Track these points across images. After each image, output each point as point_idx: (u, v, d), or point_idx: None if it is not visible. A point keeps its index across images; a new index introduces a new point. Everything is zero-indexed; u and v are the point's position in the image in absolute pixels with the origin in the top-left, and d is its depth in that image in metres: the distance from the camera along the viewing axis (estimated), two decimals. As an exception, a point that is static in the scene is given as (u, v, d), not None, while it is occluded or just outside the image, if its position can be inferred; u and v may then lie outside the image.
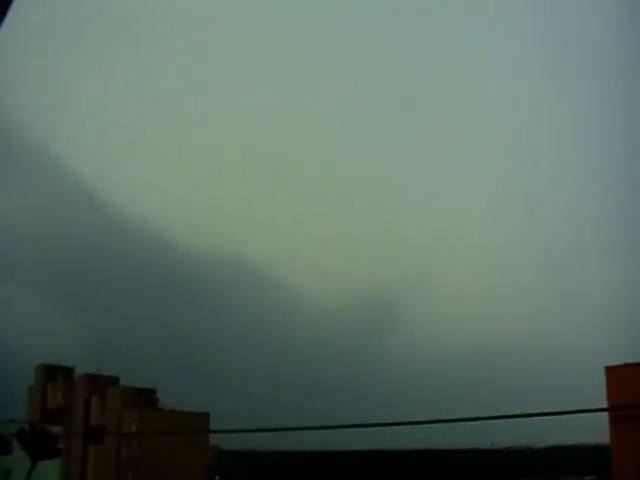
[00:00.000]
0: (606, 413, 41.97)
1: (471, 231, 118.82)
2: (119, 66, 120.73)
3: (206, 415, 73.63)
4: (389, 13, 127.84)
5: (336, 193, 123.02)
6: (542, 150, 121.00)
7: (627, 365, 47.25)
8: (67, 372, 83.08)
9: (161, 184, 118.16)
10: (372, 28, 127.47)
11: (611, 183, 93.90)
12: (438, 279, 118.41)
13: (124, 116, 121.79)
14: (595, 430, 50.83)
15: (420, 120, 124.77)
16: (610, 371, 47.27)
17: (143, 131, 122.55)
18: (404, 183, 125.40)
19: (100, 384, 79.25)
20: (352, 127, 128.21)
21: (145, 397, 77.63)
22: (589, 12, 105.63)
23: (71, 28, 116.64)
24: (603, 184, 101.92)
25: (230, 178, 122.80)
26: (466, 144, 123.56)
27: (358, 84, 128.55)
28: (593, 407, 40.77)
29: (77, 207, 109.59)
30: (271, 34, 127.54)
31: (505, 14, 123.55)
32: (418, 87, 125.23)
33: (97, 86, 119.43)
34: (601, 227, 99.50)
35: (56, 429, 74.28)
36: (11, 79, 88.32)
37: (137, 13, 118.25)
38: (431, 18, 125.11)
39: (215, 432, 74.36)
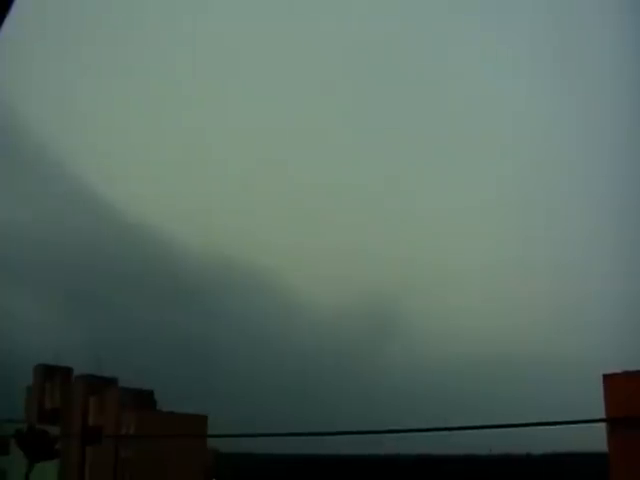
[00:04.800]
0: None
1: (474, 239, 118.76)
2: (122, 65, 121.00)
3: (204, 417, 73.65)
4: (386, 15, 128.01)
5: (337, 194, 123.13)
6: (548, 154, 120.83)
7: (626, 373, 46.92)
8: (65, 372, 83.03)
9: (161, 186, 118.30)
10: (370, 29, 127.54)
11: (616, 190, 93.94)
12: (440, 285, 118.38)
13: (125, 116, 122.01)
14: (594, 438, 50.65)
15: (422, 120, 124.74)
16: (608, 379, 46.94)
17: (144, 131, 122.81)
18: (407, 185, 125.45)
19: (98, 385, 79.13)
20: (354, 126, 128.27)
21: (143, 398, 77.54)
22: (597, 12, 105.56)
23: (74, 27, 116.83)
24: (607, 191, 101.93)
25: (230, 179, 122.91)
26: (471, 146, 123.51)
27: (359, 82, 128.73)
28: (592, 414, 40.75)
29: (77, 208, 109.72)
30: (273, 36, 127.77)
31: (510, 14, 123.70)
32: (419, 86, 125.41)
33: (98, 85, 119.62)
34: (604, 232, 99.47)
35: (54, 430, 74.40)
36: (14, 78, 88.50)
37: (142, 12, 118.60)
38: (432, 19, 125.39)
39: (214, 436, 74.28)
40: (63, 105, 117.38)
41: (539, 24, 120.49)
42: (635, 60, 73.25)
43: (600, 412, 42.95)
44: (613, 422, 42.87)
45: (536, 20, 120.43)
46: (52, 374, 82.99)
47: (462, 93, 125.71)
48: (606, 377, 47.06)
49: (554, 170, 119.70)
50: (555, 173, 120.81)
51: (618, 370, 47.35)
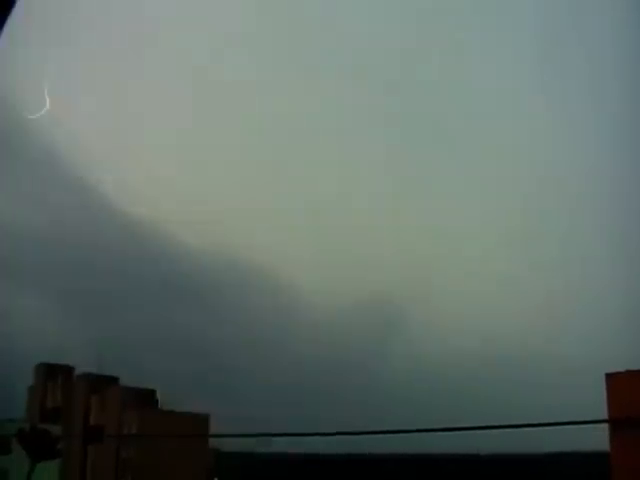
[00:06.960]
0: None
1: (476, 238, 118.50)
2: (123, 64, 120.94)
3: (206, 416, 73.63)
4: (386, 13, 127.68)
5: (340, 195, 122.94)
6: (549, 157, 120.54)
7: (629, 372, 46.74)
8: (67, 371, 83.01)
9: (161, 185, 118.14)
10: (371, 29, 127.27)
11: (619, 190, 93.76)
12: (441, 286, 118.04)
13: (126, 114, 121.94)
14: (595, 437, 50.48)
15: (425, 125, 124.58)
16: (611, 378, 46.77)
17: (146, 130, 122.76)
18: (408, 188, 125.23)
19: (100, 384, 79.08)
20: (356, 128, 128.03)
21: (145, 397, 77.50)
22: (598, 12, 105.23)
23: (75, 26, 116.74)
24: (610, 191, 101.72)
25: (231, 180, 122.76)
26: (472, 144, 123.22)
27: (363, 84, 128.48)
28: (594, 414, 40.61)
29: (78, 208, 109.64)
30: (278, 35, 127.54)
31: (516, 15, 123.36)
32: (420, 91, 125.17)
33: (99, 83, 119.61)
34: (606, 231, 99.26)
35: (56, 429, 74.40)
36: (15, 77, 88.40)
37: (143, 11, 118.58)
38: (434, 18, 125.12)
39: (216, 436, 74.18)
40: (63, 103, 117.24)
41: (541, 23, 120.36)
42: (635, 59, 73.06)
43: (602, 411, 42.89)
44: (615, 423, 42.75)
45: (538, 19, 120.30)
46: (53, 373, 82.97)
47: (465, 93, 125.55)
48: (609, 376, 46.92)
49: (554, 170, 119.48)
50: (555, 173, 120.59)
51: (621, 369, 47.24)
